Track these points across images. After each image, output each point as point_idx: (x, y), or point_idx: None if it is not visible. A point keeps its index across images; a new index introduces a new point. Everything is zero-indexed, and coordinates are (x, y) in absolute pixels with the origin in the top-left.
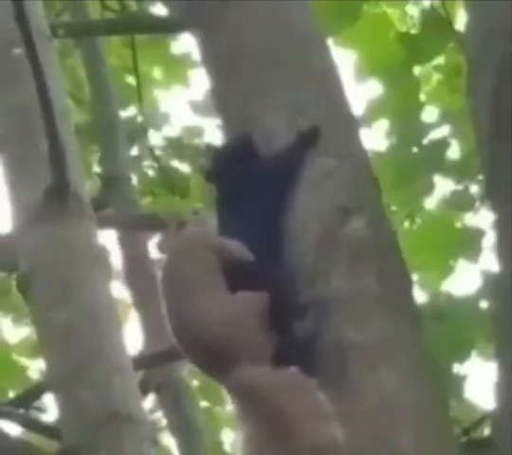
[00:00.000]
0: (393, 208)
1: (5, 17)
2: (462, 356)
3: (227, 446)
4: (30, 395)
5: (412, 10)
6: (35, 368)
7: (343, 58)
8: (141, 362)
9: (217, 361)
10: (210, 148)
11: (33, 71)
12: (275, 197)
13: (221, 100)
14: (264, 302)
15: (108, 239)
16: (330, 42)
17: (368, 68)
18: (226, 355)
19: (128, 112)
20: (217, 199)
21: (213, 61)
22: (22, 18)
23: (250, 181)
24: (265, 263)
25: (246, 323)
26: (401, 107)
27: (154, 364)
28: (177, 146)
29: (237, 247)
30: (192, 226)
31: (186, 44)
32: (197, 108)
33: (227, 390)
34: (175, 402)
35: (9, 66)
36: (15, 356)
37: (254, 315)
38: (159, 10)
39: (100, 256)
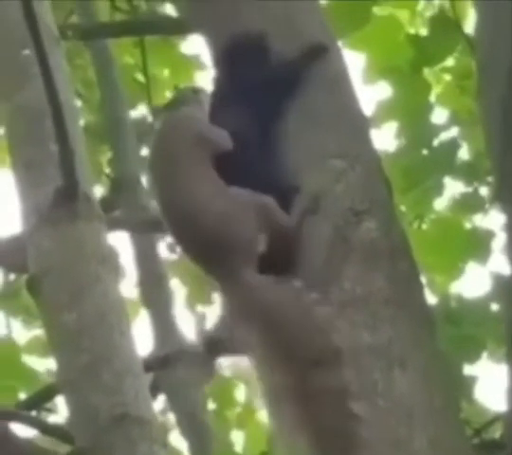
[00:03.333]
0: (403, 209)
1: (15, 18)
2: (472, 358)
3: (237, 448)
4: (41, 397)
5: (422, 12)
6: (45, 369)
7: (353, 60)
8: (151, 364)
9: (211, 250)
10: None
11: (42, 73)
12: (272, 100)
13: None
14: (261, 204)
15: (118, 239)
16: (340, 44)
17: (377, 70)
18: (221, 245)
19: (138, 112)
20: (214, 89)
21: None
22: (31, 19)
23: (252, 79)
24: (252, 157)
25: (243, 219)
26: (411, 109)
27: (164, 366)
28: None
29: (222, 136)
30: (183, 108)
31: (195, 44)
32: None
33: (220, 284)
34: (185, 404)
35: (19, 67)
36: (25, 357)
37: (251, 212)
38: (169, 11)
39: (110, 257)
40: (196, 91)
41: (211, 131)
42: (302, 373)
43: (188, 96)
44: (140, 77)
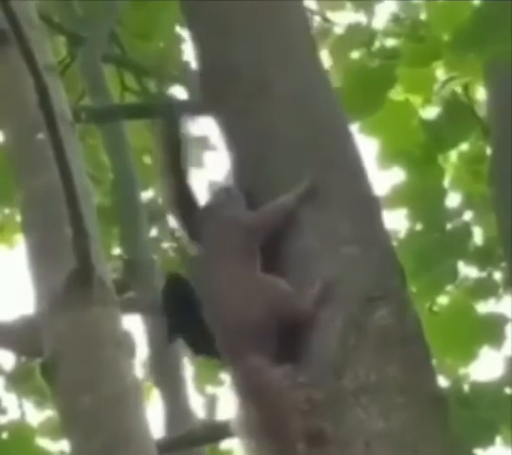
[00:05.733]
0: (414, 291)
1: (28, 102)
2: (486, 442)
3: None
4: None
5: (435, 98)
6: (58, 451)
7: (367, 145)
8: (164, 446)
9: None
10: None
11: (56, 157)
12: None
13: (248, 186)
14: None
15: (129, 320)
16: (354, 129)
17: (391, 155)
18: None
19: (148, 193)
20: None
21: (239, 147)
22: (46, 104)
23: None
24: None
25: (259, 306)
26: (425, 194)
27: (176, 448)
28: None
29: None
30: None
31: (202, 126)
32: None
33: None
34: None
35: (33, 151)
36: (38, 439)
37: (267, 300)
38: (177, 92)
39: (125, 341)
40: (228, 189)
41: (261, 219)
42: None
43: (221, 194)
44: (148, 159)
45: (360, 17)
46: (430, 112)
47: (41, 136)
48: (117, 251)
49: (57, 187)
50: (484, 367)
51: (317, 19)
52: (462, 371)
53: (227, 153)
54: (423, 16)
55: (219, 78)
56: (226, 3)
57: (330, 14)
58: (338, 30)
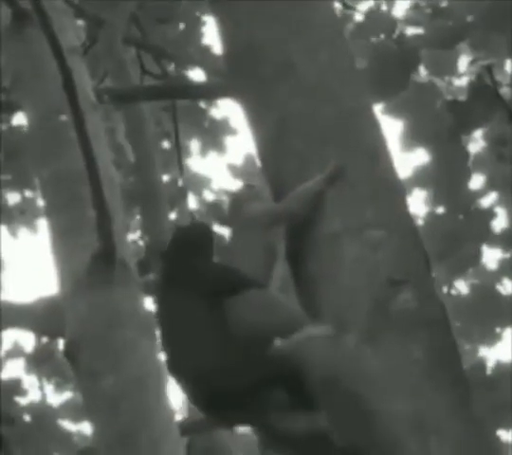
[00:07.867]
0: (439, 274)
1: (51, 84)
2: (508, 423)
3: None
4: None
5: (460, 80)
6: (79, 432)
7: (391, 126)
8: (188, 428)
9: None
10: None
11: (79, 138)
12: None
13: (268, 171)
14: None
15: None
16: (378, 110)
17: (415, 137)
18: None
19: (165, 177)
20: None
21: (263, 131)
22: (69, 86)
23: None
24: None
25: None
26: (448, 175)
27: (200, 430)
28: (216, 210)
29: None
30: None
31: (224, 109)
32: (236, 172)
33: None
34: None
35: (55, 134)
36: (59, 421)
37: None
38: (197, 75)
39: (147, 322)
40: (250, 186)
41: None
42: None
43: (245, 193)
44: (165, 144)
45: (381, 5)
46: (455, 93)
47: (64, 117)
48: (138, 233)
49: (79, 169)
50: (507, 348)
51: (337, 5)
52: (482, 352)
53: (250, 134)
54: (444, 3)
55: (244, 60)
56: None
57: (351, 2)
58: (359, 17)
